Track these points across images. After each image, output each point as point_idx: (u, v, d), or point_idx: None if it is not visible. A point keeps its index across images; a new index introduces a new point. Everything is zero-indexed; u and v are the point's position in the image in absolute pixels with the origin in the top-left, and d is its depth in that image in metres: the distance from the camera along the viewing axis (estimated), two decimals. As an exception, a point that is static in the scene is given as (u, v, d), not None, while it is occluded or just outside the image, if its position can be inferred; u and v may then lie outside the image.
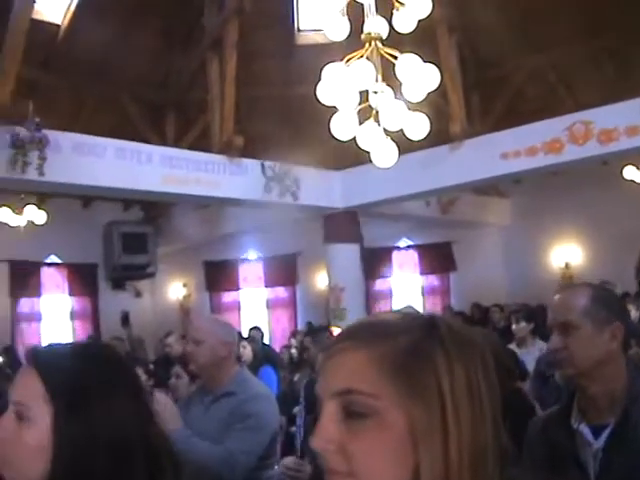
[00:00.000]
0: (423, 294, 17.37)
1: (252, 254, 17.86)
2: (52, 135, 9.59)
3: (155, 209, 17.12)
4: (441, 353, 1.10)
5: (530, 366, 6.20)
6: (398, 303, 16.77)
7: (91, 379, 1.45)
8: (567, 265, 15.52)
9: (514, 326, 7.69)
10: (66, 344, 1.57)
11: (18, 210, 13.48)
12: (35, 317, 16.33)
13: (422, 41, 7.87)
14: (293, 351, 12.21)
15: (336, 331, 6.58)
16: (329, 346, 1.16)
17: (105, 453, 1.38)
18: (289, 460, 3.86)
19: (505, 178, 12.80)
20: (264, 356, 9.32)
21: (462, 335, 1.15)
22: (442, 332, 1.13)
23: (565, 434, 2.31)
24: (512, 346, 6.87)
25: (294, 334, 14.23)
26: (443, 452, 1.06)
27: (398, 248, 17.42)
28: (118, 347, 10.66)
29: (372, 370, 1.09)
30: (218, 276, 17.98)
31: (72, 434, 1.38)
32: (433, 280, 17.41)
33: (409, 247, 17.39)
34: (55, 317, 16.69)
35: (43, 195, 14.13)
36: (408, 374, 1.09)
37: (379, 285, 17.42)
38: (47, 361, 1.48)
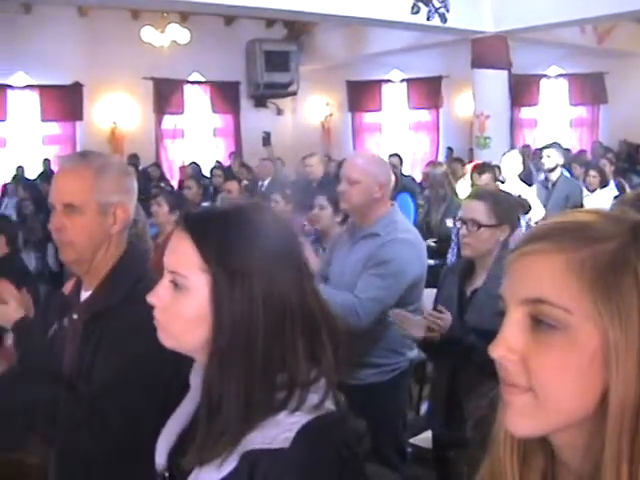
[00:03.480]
0: (571, 126, 16.71)
1: (396, 75, 17.42)
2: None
3: (298, 26, 16.81)
4: None
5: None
6: (543, 134, 16.25)
7: (248, 244, 1.38)
8: None
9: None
10: (219, 207, 1.53)
11: (161, 29, 13.50)
12: (178, 134, 16.65)
13: None
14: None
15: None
16: (519, 245, 1.03)
17: (264, 321, 1.34)
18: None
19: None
20: (402, 186, 9.15)
21: None
22: None
23: None
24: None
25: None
26: (637, 379, 0.94)
27: (547, 76, 16.69)
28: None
29: (569, 279, 0.96)
30: (361, 96, 17.77)
31: (231, 303, 1.35)
32: (582, 112, 16.68)
33: (559, 76, 16.64)
34: (198, 134, 16.96)
35: (185, 13, 14.07)
36: (610, 287, 0.94)
37: (525, 114, 16.85)
38: (202, 227, 1.42)
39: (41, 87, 14.91)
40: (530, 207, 5.84)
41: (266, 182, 10.15)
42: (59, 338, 2.34)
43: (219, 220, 1.43)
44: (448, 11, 11.82)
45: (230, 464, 1.30)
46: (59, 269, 9.18)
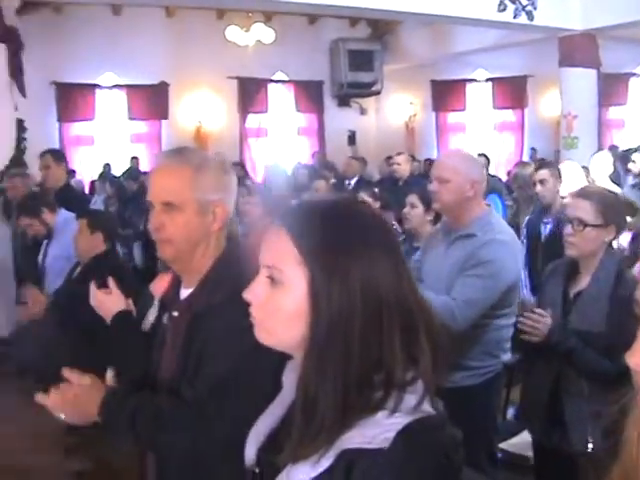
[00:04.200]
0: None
1: (480, 74, 17.25)
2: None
3: (382, 25, 16.76)
4: None
5: None
6: (631, 134, 15.89)
7: (346, 238, 1.36)
8: None
9: None
10: (314, 201, 1.49)
11: (246, 28, 13.61)
12: (262, 133, 16.74)
13: None
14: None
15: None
16: None
17: (362, 315, 1.32)
18: (530, 306, 3.64)
19: None
20: (490, 187, 9.03)
21: None
22: None
23: None
24: None
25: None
26: None
27: (636, 75, 16.29)
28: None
29: None
30: (445, 96, 17.64)
31: (329, 297, 1.33)
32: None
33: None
34: (281, 133, 17.04)
35: (270, 13, 14.16)
36: None
37: (613, 114, 16.48)
38: (298, 221, 1.41)
39: (128, 86, 15.19)
40: (638, 209, 5.69)
41: (353, 181, 10.15)
42: (157, 334, 2.34)
43: (315, 214, 1.41)
44: (535, 9, 11.61)
45: (325, 462, 1.29)
46: (145, 266, 9.31)
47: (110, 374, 2.24)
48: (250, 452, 1.53)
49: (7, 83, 8.18)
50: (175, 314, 2.23)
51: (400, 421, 1.28)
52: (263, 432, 1.52)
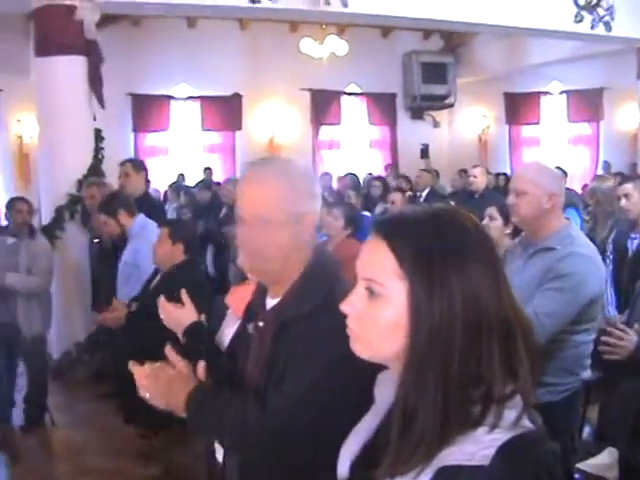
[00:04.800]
0: None
1: (555, 87, 17.01)
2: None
3: (455, 38, 16.69)
4: None
5: None
6: None
7: (447, 250, 1.34)
8: None
9: None
10: (414, 211, 1.44)
11: (320, 41, 13.66)
12: (335, 145, 16.79)
13: None
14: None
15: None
16: None
17: (462, 327, 1.30)
18: (614, 321, 3.56)
19: None
20: (568, 201, 8.87)
21: None
22: None
23: None
24: None
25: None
26: None
27: None
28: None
29: None
30: (518, 109, 17.46)
31: (430, 309, 1.31)
32: None
33: None
34: (354, 145, 17.05)
35: (343, 25, 14.18)
36: None
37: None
38: (398, 232, 1.38)
39: (202, 98, 15.40)
40: None
41: (424, 193, 10.09)
42: (241, 344, 2.34)
43: (414, 225, 1.39)
44: (613, 19, 11.42)
45: (424, 478, 1.26)
46: (216, 275, 9.38)
47: (202, 365, 2.21)
48: (343, 467, 1.51)
49: (87, 94, 8.33)
50: (260, 324, 2.21)
51: (500, 437, 1.25)
52: (357, 446, 1.50)
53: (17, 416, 6.70)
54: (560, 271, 3.48)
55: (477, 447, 1.24)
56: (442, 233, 1.36)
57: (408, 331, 1.33)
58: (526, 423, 1.30)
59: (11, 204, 6.77)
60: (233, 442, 2.12)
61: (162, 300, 2.73)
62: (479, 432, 1.27)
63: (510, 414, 1.29)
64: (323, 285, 2.11)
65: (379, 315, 1.37)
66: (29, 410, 6.77)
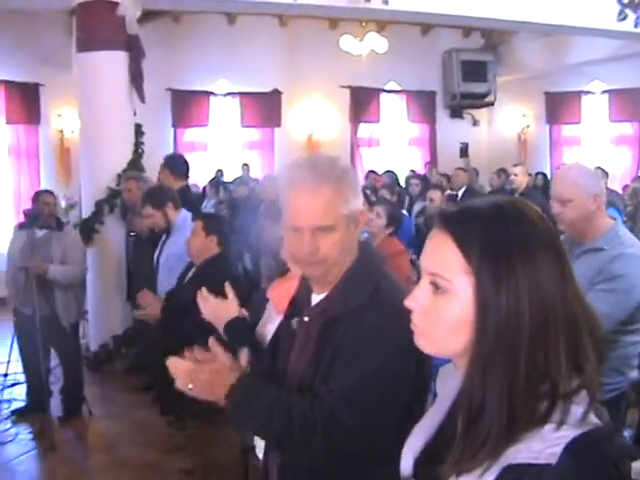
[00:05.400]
0: None
1: (597, 86, 16.82)
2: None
3: (496, 36, 16.57)
4: None
5: None
6: None
7: (513, 244, 1.31)
8: None
9: None
10: (478, 204, 1.41)
11: (360, 38, 13.64)
12: (374, 142, 16.74)
13: None
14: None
15: None
16: None
17: (530, 322, 1.28)
18: None
19: None
20: (609, 201, 8.78)
21: None
22: None
23: None
24: None
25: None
26: None
27: None
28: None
29: None
30: (559, 108, 17.24)
31: (497, 304, 1.29)
32: None
33: None
34: (393, 143, 16.99)
35: (383, 22, 14.14)
36: None
37: None
38: (463, 227, 1.36)
39: (242, 94, 15.42)
40: None
41: (460, 192, 10.02)
42: (284, 339, 2.33)
43: (480, 218, 1.36)
44: (657, 17, 11.28)
45: (489, 477, 1.24)
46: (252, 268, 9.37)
47: (244, 354, 2.19)
48: (407, 463, 1.49)
49: (128, 89, 8.39)
50: (306, 319, 2.21)
51: (567, 434, 1.22)
52: (420, 443, 1.49)
53: (56, 407, 6.79)
54: (612, 272, 3.45)
55: (544, 445, 1.22)
56: (508, 225, 1.34)
57: (474, 326, 1.32)
58: (593, 419, 1.27)
59: (37, 196, 6.83)
60: (278, 434, 2.08)
61: (204, 292, 2.72)
62: (546, 429, 1.24)
63: (577, 410, 1.26)
64: (368, 282, 2.12)
65: (445, 311, 1.35)
66: (66, 401, 6.84)
